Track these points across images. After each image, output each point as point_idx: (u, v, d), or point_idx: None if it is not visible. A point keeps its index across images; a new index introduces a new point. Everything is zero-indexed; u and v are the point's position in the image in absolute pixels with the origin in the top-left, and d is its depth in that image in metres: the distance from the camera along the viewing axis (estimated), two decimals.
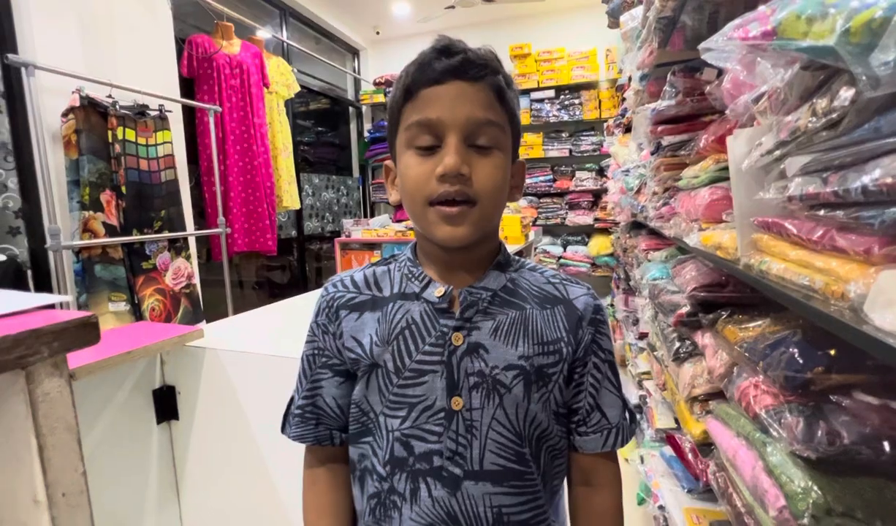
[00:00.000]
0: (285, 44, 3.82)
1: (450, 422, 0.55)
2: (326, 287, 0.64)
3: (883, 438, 0.55)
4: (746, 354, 0.74)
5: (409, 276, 0.61)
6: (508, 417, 0.56)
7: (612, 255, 3.97)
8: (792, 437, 0.60)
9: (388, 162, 0.63)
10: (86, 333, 0.37)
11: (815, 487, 0.56)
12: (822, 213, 0.49)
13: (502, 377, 0.56)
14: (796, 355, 0.63)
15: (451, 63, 0.53)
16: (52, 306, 0.42)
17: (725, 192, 0.89)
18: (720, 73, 1.03)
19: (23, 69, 1.79)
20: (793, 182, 0.54)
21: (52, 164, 1.91)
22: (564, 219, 4.41)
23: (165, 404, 1.17)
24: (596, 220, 4.30)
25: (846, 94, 0.41)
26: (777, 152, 0.57)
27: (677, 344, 1.13)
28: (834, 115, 0.44)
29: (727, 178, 0.84)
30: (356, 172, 5.12)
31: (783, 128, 0.53)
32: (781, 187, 0.57)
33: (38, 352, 0.34)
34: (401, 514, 0.56)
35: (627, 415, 0.63)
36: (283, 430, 0.66)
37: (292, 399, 0.66)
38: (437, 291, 0.58)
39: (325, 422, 0.63)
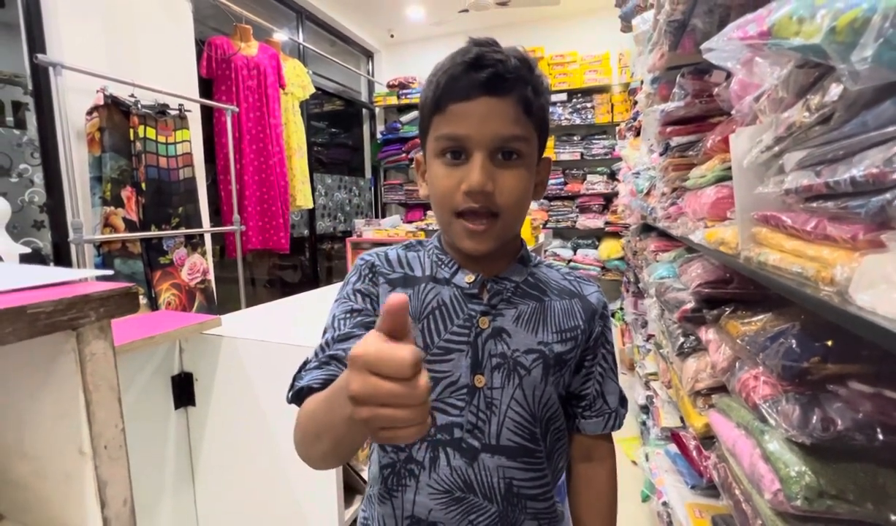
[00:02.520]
0: (301, 46, 3.89)
1: (472, 398, 0.59)
2: (363, 256, 0.67)
3: (876, 425, 0.57)
4: (747, 347, 0.76)
5: (439, 262, 0.64)
6: (526, 398, 0.60)
7: (622, 258, 3.96)
8: (788, 423, 0.62)
9: (418, 155, 0.66)
10: (128, 301, 0.41)
11: (809, 471, 0.58)
12: (815, 204, 0.51)
13: (522, 360, 0.60)
14: (793, 346, 0.65)
15: (479, 79, 0.53)
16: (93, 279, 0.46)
17: (730, 191, 0.91)
18: (729, 75, 1.05)
19: (51, 69, 1.87)
20: (789, 176, 0.56)
21: (76, 160, 1.98)
22: (575, 222, 4.42)
23: (183, 391, 1.21)
24: (606, 223, 4.30)
25: (836, 90, 0.44)
26: (775, 148, 0.60)
27: (681, 339, 1.15)
28: (825, 111, 0.46)
29: (732, 177, 0.86)
30: (368, 173, 5.18)
31: (780, 124, 0.56)
32: (779, 182, 0.59)
33: (87, 315, 0.38)
34: (417, 481, 0.59)
35: (620, 401, 0.69)
36: (291, 388, 0.57)
37: (306, 361, 0.59)
38: (467, 277, 0.62)
39: None
